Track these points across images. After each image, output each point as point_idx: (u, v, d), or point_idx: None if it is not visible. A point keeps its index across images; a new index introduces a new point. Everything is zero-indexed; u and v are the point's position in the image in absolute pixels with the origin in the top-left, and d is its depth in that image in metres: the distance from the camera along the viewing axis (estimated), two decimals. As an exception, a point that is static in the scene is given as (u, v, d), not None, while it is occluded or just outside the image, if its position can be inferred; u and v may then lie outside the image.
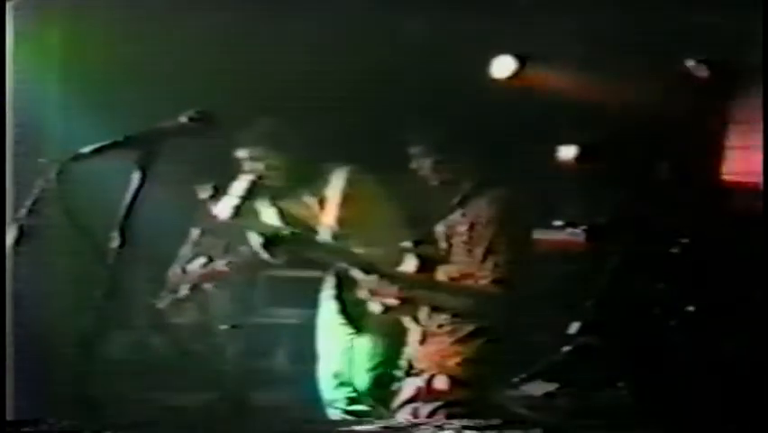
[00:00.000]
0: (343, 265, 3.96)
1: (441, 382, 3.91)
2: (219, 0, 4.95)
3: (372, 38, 4.83)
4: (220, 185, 4.31)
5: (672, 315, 4.25)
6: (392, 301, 3.95)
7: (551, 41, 4.53)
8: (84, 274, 3.91)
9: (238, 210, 4.23)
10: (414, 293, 3.94)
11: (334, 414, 4.65)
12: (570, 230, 4.39)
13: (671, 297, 4.29)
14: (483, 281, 3.82)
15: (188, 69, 4.96)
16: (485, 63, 4.57)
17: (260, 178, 4.36)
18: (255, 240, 4.52)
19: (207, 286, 4.90)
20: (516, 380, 3.94)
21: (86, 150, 3.15)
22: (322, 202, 4.58)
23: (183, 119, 3.38)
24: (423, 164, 4.07)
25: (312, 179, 4.61)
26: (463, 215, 3.97)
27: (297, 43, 4.92)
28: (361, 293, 4.26)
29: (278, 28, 4.86)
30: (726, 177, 4.53)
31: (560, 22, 4.49)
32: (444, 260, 3.95)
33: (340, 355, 4.69)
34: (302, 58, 4.95)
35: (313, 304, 4.85)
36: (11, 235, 3.20)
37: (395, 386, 4.12)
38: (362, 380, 4.62)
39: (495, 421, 3.24)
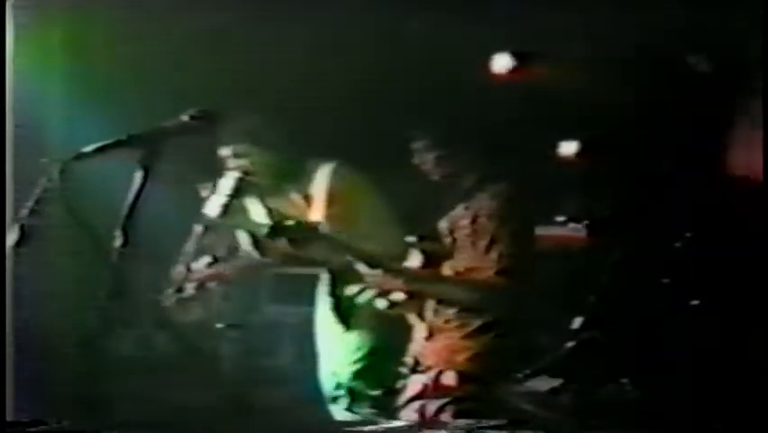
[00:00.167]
0: (348, 260, 3.93)
1: (449, 378, 3.90)
2: (219, -1, 4.94)
3: (373, 35, 4.83)
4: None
5: (676, 310, 4.26)
6: (398, 297, 3.93)
7: (553, 38, 4.54)
8: (86, 273, 3.91)
9: (227, 209, 4.21)
10: (420, 287, 3.92)
11: (336, 413, 4.65)
12: (572, 225, 4.39)
13: (674, 292, 4.29)
14: (487, 273, 3.81)
15: (190, 67, 4.96)
16: (486, 59, 4.57)
17: (246, 174, 4.34)
18: (244, 239, 4.50)
19: (212, 285, 4.89)
20: (520, 375, 3.92)
21: (89, 149, 3.15)
22: (308, 199, 4.54)
23: (185, 118, 3.39)
24: (425, 159, 4.06)
25: (299, 176, 4.58)
26: (466, 208, 3.96)
27: (298, 42, 4.92)
28: (365, 288, 4.26)
29: (278, 26, 4.85)
30: (728, 172, 4.54)
31: (562, 19, 4.48)
32: (449, 255, 3.94)
33: (334, 353, 4.69)
34: (303, 56, 4.95)
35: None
36: (13, 235, 3.21)
37: (399, 383, 4.10)
38: (355, 377, 4.61)
39: (499, 421, 3.24)
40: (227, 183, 4.24)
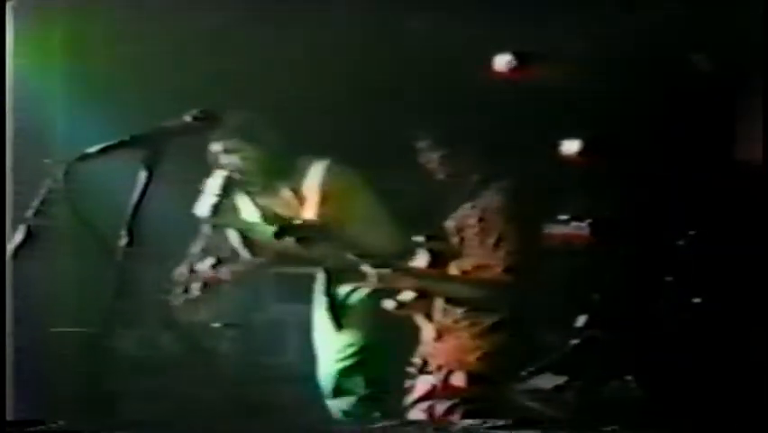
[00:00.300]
0: (355, 260, 3.93)
1: (458, 379, 3.90)
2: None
3: (373, 34, 4.83)
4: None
5: (679, 308, 4.26)
6: (406, 297, 3.93)
7: (556, 38, 4.54)
8: (91, 273, 3.93)
9: (217, 208, 4.20)
10: (429, 285, 3.92)
11: (334, 411, 4.64)
12: (575, 224, 4.39)
13: (677, 290, 4.30)
14: (495, 271, 3.81)
15: (189, 67, 4.96)
16: (488, 58, 4.57)
17: (239, 172, 4.32)
18: (235, 238, 4.49)
19: (217, 285, 4.89)
20: (524, 373, 3.93)
21: (93, 149, 3.16)
22: (300, 196, 4.52)
23: (187, 118, 3.39)
24: (430, 158, 4.05)
25: (291, 173, 4.55)
26: (473, 207, 3.96)
27: (300, 41, 4.91)
28: (358, 288, 4.27)
29: (278, 25, 4.84)
30: (731, 170, 4.54)
31: (565, 18, 4.49)
32: (457, 254, 3.94)
33: (329, 352, 4.68)
34: (305, 55, 4.94)
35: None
36: (19, 236, 3.21)
37: (406, 384, 4.09)
38: (345, 375, 4.59)
39: (505, 421, 3.25)
40: (215, 182, 4.22)
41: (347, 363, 4.61)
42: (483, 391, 3.84)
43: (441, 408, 3.90)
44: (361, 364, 4.59)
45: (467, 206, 4.00)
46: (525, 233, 3.87)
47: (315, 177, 4.47)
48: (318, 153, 4.58)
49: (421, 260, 3.99)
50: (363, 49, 4.82)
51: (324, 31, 4.85)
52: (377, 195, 4.67)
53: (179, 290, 4.71)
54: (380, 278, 3.86)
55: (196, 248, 4.61)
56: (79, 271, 4.66)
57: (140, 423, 3.57)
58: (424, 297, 3.95)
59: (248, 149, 4.48)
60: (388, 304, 3.95)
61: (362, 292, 4.42)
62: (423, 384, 4.01)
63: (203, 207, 4.27)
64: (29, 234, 3.24)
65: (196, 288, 4.72)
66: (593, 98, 4.54)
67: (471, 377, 3.88)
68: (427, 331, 4.03)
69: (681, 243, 4.32)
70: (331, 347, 4.68)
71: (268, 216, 4.46)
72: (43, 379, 4.47)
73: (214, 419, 4.28)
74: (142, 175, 3.14)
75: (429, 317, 4.01)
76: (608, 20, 4.50)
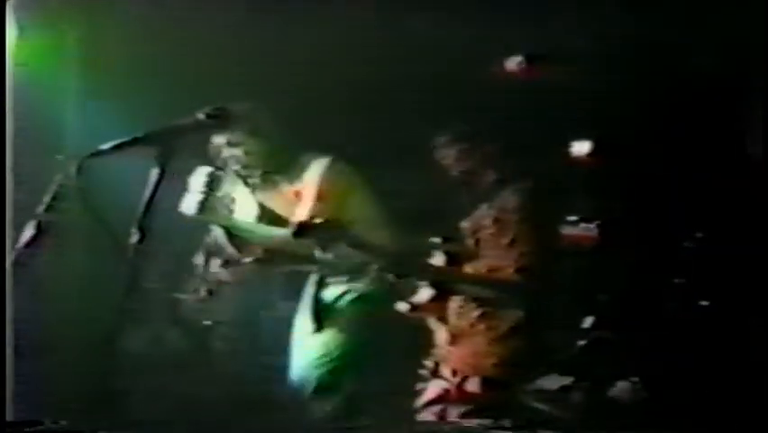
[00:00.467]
0: (368, 259, 3.92)
1: (473, 385, 3.87)
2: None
3: (383, 32, 4.83)
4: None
5: (686, 310, 4.27)
6: (420, 299, 3.92)
7: (567, 38, 4.55)
8: (102, 271, 3.94)
9: (203, 205, 4.18)
10: (447, 283, 3.90)
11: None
12: (583, 225, 4.39)
13: (684, 292, 4.31)
14: (508, 271, 3.80)
15: (204, 65, 4.95)
16: (497, 58, 4.58)
17: (218, 169, 4.30)
18: (220, 234, 4.47)
19: (225, 283, 4.89)
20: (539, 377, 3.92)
21: (106, 146, 3.17)
22: (299, 192, 4.51)
23: (200, 116, 3.40)
24: (447, 153, 4.04)
25: (292, 169, 4.53)
26: (489, 208, 3.95)
27: (310, 37, 4.90)
28: (349, 291, 4.27)
29: (286, 21, 4.84)
30: (739, 172, 4.54)
31: (576, 17, 4.49)
32: (472, 256, 3.93)
33: (307, 353, 4.66)
34: (318, 53, 4.93)
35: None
36: (30, 231, 3.22)
37: (418, 386, 4.08)
38: (321, 377, 4.59)
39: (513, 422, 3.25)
40: (199, 179, 4.19)
41: (325, 364, 4.56)
42: (498, 396, 3.82)
43: (453, 412, 3.87)
44: (338, 367, 4.55)
45: (483, 207, 3.98)
46: (540, 233, 3.86)
47: (315, 174, 4.45)
48: (323, 151, 4.57)
49: (437, 261, 3.97)
50: (374, 45, 4.81)
51: (334, 27, 4.84)
52: (377, 194, 4.65)
53: (188, 289, 4.70)
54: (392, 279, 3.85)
55: (205, 247, 4.59)
56: (89, 268, 4.67)
57: (141, 423, 3.58)
58: (438, 299, 3.93)
59: (251, 142, 4.46)
60: (402, 306, 3.93)
61: (352, 296, 4.43)
62: (434, 388, 3.98)
63: (189, 205, 4.23)
64: (39, 230, 3.24)
65: (203, 289, 4.71)
66: (603, 98, 4.54)
67: (487, 383, 3.85)
68: (441, 334, 4.00)
69: (688, 244, 4.34)
70: (309, 348, 4.64)
71: (265, 213, 4.44)
72: (48, 378, 4.48)
73: (216, 419, 4.28)
74: (154, 172, 3.15)
75: (443, 319, 3.99)
76: (617, 20, 4.50)
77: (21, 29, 4.53)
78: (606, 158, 4.47)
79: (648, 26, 4.55)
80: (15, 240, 3.25)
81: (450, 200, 4.26)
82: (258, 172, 4.49)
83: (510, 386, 3.84)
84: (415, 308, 3.93)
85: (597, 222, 4.33)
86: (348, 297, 4.51)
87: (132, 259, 3.11)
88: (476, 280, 3.89)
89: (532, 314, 3.86)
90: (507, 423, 3.25)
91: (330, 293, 4.56)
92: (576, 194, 4.44)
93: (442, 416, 3.88)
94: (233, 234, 4.47)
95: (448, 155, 4.04)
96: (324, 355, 4.53)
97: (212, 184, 4.19)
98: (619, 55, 4.56)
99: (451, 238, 3.98)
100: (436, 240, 3.98)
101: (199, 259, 4.66)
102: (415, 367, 4.24)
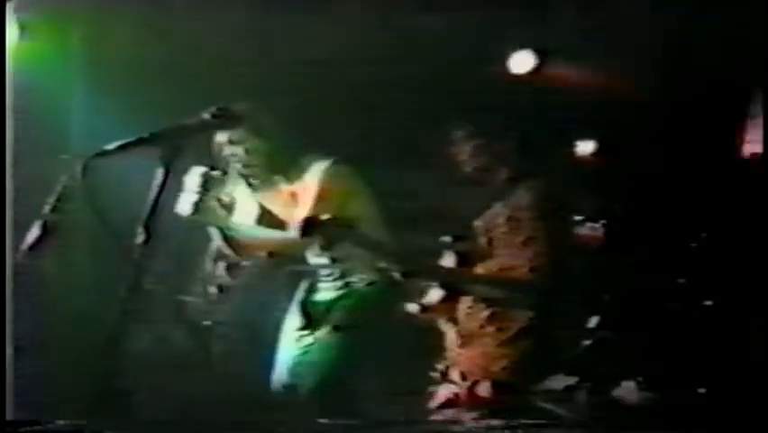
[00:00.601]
0: (380, 263, 3.89)
1: (484, 389, 3.84)
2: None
3: (392, 33, 4.82)
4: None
5: (690, 310, 4.27)
6: (431, 299, 3.90)
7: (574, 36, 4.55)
8: (105, 270, 3.93)
9: (198, 206, 4.15)
10: (457, 284, 3.87)
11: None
12: (589, 225, 4.39)
13: (689, 292, 4.31)
14: (521, 270, 3.77)
15: (208, 64, 4.95)
16: (503, 57, 4.58)
17: (213, 169, 4.28)
18: (217, 236, 4.45)
19: (229, 286, 4.88)
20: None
21: (111, 146, 3.16)
22: (298, 193, 4.49)
23: (206, 115, 3.40)
24: (462, 149, 4.01)
25: (293, 169, 4.50)
26: (503, 206, 3.92)
27: (317, 38, 4.90)
28: (344, 296, 4.26)
29: (298, 22, 4.83)
30: (744, 171, 4.54)
31: (585, 17, 4.50)
32: (485, 255, 3.90)
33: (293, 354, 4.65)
34: (323, 53, 4.93)
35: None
36: (35, 232, 3.21)
37: (422, 387, 4.06)
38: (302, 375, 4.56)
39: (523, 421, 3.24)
40: (194, 179, 4.17)
41: (325, 364, 4.54)
42: (508, 399, 3.78)
43: (464, 416, 3.84)
44: (338, 367, 4.53)
45: (497, 205, 3.95)
46: (554, 232, 3.84)
47: (315, 175, 4.44)
48: (324, 150, 4.55)
49: (448, 261, 3.95)
50: (376, 45, 4.81)
51: (344, 26, 4.83)
52: (378, 195, 4.64)
53: (193, 291, 4.69)
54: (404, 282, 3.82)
55: (212, 249, 4.57)
56: (93, 268, 4.67)
57: (142, 423, 3.57)
58: (448, 300, 3.90)
59: (252, 140, 4.44)
60: (412, 307, 3.91)
61: (351, 296, 4.43)
62: (444, 392, 3.96)
63: (184, 206, 4.21)
64: (44, 231, 3.23)
65: (210, 290, 4.70)
66: (607, 99, 4.54)
67: (497, 386, 3.83)
68: (450, 336, 3.98)
69: (693, 244, 4.34)
70: (308, 348, 4.62)
71: (264, 214, 4.43)
72: (48, 378, 4.48)
73: (216, 419, 4.28)
74: (160, 172, 3.14)
75: (454, 321, 3.97)
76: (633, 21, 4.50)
77: (22, 29, 4.53)
78: (610, 157, 4.47)
79: (648, 26, 4.56)
80: (20, 241, 3.24)
81: (453, 200, 4.25)
82: (259, 171, 4.48)
83: (521, 389, 3.81)
84: (425, 309, 3.90)
85: (602, 222, 4.34)
86: (347, 297, 4.51)
87: (137, 259, 3.10)
88: (487, 279, 3.86)
89: (543, 314, 3.83)
90: (516, 423, 3.23)
91: (327, 293, 4.56)
92: (582, 194, 4.44)
93: (452, 420, 3.85)
94: (229, 235, 4.46)
95: (462, 152, 4.00)
96: (324, 356, 4.53)
97: (207, 184, 4.15)
98: (623, 54, 4.56)
99: (462, 237, 3.95)
100: (447, 239, 3.95)
101: (206, 262, 4.65)
102: (415, 367, 4.23)
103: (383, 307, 4.32)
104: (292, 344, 4.59)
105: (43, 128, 4.57)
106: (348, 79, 4.95)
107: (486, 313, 3.86)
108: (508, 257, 3.81)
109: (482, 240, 3.93)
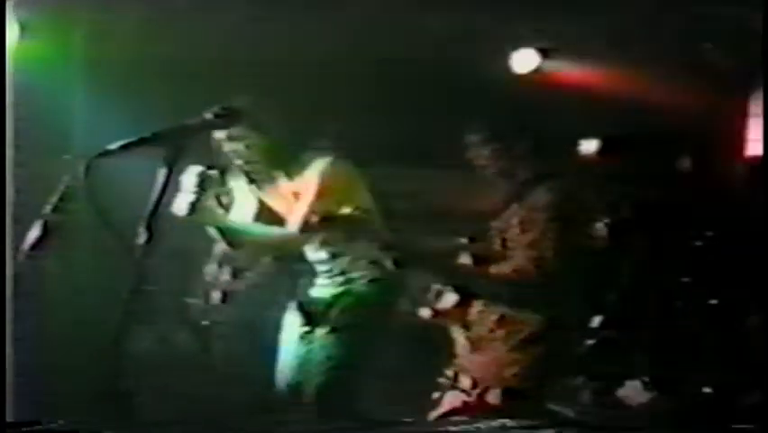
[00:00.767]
0: (384, 254, 3.86)
1: (494, 397, 3.81)
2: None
3: (396, 31, 4.81)
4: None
5: (695, 309, 4.26)
6: (444, 304, 3.87)
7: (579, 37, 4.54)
8: (110, 271, 3.91)
9: (194, 206, 4.13)
10: (469, 283, 3.85)
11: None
12: (599, 225, 4.38)
13: (694, 291, 4.30)
14: (531, 271, 3.75)
15: (209, 63, 4.94)
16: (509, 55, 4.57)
17: (209, 168, 4.26)
18: (214, 234, 4.44)
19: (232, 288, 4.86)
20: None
21: (114, 146, 3.14)
22: (298, 190, 4.47)
23: (208, 115, 3.38)
24: (481, 153, 3.99)
25: (293, 166, 4.49)
26: (520, 207, 3.89)
27: (321, 35, 4.89)
28: (343, 295, 4.24)
29: (299, 21, 4.82)
30: (750, 171, 4.55)
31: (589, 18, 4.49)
32: (500, 257, 3.87)
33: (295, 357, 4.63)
34: (329, 53, 4.92)
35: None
36: (36, 232, 3.20)
37: (434, 396, 4.04)
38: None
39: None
40: (190, 179, 4.15)
41: (325, 364, 4.52)
42: (519, 405, 3.75)
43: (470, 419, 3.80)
44: (338, 367, 4.50)
45: (514, 206, 3.93)
46: (569, 233, 3.81)
47: (315, 172, 4.42)
48: (326, 148, 4.54)
49: (463, 260, 3.92)
50: (389, 44, 4.80)
51: (350, 24, 4.82)
52: (378, 195, 4.62)
53: (197, 293, 4.67)
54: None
55: (216, 253, 4.55)
56: (95, 268, 4.66)
57: (143, 423, 3.55)
58: (461, 304, 3.87)
59: (252, 136, 4.43)
60: (424, 312, 3.88)
61: (350, 296, 4.42)
62: (453, 398, 3.93)
63: (181, 206, 4.19)
64: (46, 231, 3.21)
65: (215, 295, 4.68)
66: (611, 98, 4.54)
67: (508, 393, 3.78)
68: (462, 342, 3.96)
69: (698, 243, 4.33)
70: (308, 348, 4.60)
71: (264, 210, 4.41)
72: (48, 378, 4.47)
73: (216, 419, 4.26)
74: (162, 172, 3.12)
75: (466, 327, 3.94)
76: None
77: (22, 28, 4.52)
78: (616, 157, 4.47)
79: (649, 26, 4.56)
80: (22, 240, 3.22)
81: (456, 199, 4.23)
82: (259, 167, 4.46)
83: (531, 395, 3.78)
84: (437, 313, 3.88)
85: (606, 221, 4.34)
86: (347, 295, 4.49)
87: (139, 259, 3.08)
88: (498, 280, 3.82)
89: (554, 316, 3.80)
90: (525, 424, 3.21)
91: (328, 290, 4.55)
92: (595, 194, 4.43)
93: (454, 422, 3.82)
94: (227, 234, 4.44)
95: (481, 155, 3.98)
96: (324, 356, 4.52)
97: (203, 184, 4.14)
98: (627, 55, 4.56)
99: (474, 238, 3.92)
100: (463, 240, 3.92)
101: (211, 265, 4.63)
102: (415, 367, 4.22)
103: (383, 306, 4.30)
104: (293, 343, 4.58)
105: (44, 128, 4.56)
106: (349, 79, 4.95)
107: (495, 316, 3.84)
108: (522, 258, 3.78)
109: (497, 241, 3.90)
